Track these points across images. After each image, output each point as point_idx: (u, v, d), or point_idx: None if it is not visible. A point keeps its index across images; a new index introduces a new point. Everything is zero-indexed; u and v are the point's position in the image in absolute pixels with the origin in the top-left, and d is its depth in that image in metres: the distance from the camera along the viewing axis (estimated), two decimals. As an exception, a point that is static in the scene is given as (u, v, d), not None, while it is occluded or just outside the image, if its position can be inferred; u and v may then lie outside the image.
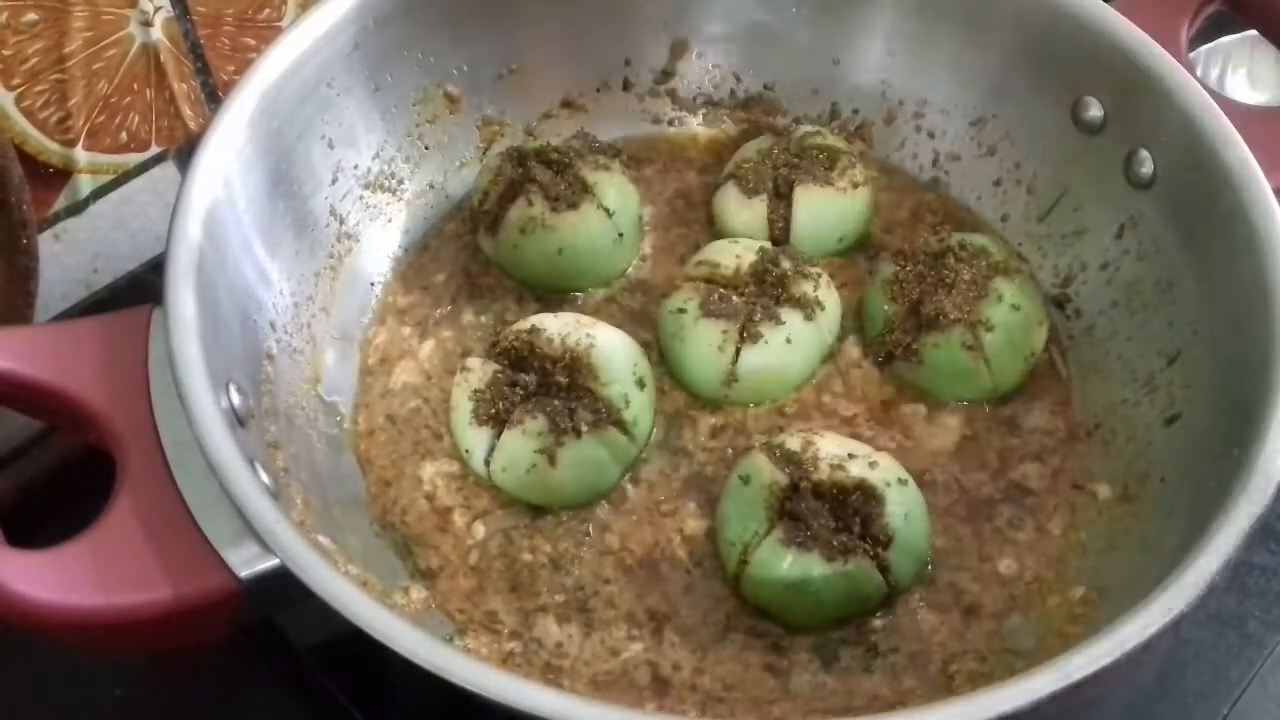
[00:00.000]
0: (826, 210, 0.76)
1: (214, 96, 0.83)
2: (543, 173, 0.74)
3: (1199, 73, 0.84)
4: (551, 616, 0.63)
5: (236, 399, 0.59)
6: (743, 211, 0.76)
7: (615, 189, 0.75)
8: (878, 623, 0.63)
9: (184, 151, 0.82)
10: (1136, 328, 0.70)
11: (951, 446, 0.70)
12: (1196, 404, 0.64)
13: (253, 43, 0.87)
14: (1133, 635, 0.48)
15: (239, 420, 0.58)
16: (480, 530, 0.66)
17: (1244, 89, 0.96)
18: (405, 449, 0.70)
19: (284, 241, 0.69)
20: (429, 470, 0.69)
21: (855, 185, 0.76)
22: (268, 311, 0.67)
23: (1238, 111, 0.66)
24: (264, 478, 0.56)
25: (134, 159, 0.81)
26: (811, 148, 0.77)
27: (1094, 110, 0.72)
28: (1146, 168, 0.69)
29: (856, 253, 0.78)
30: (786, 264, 0.71)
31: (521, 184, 0.73)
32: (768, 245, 0.73)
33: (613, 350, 0.68)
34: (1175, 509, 0.60)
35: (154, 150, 0.82)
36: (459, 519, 0.67)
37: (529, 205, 0.73)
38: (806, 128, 0.79)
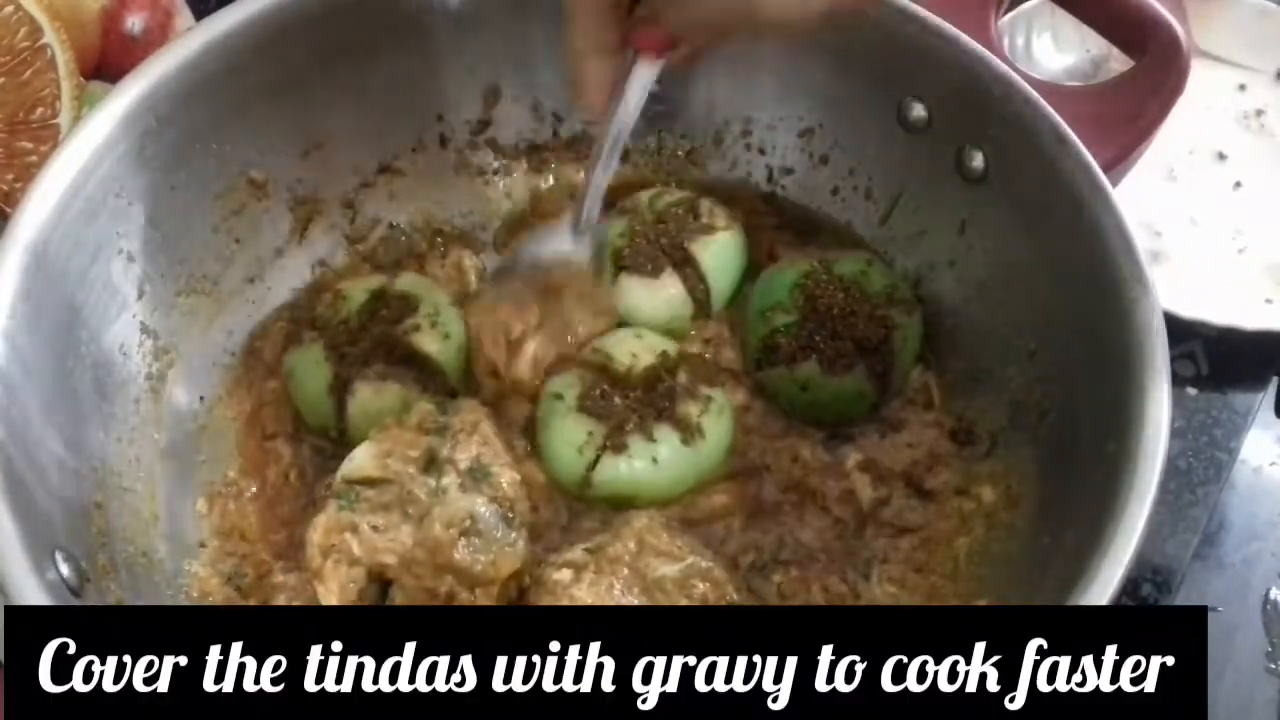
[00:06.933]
0: (725, 252, 0.74)
1: (-1, 213, 0.76)
2: None
3: (1005, 43, 0.84)
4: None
5: (66, 568, 0.54)
6: (656, 295, 0.72)
7: None
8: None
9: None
10: (992, 324, 0.70)
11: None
12: (1064, 397, 0.64)
13: (29, 146, 0.81)
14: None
15: (72, 592, 0.53)
16: None
17: (1050, 52, 0.98)
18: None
19: (89, 391, 0.63)
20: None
21: (729, 221, 0.74)
22: (90, 452, 0.61)
23: (1056, 93, 0.67)
24: (109, 655, 0.51)
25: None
26: (665, 208, 0.74)
27: (918, 111, 0.71)
28: (977, 162, 0.69)
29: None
30: (684, 379, 0.68)
31: None
32: (672, 350, 0.69)
33: None
34: (1064, 509, 0.59)
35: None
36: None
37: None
38: (648, 193, 0.76)
